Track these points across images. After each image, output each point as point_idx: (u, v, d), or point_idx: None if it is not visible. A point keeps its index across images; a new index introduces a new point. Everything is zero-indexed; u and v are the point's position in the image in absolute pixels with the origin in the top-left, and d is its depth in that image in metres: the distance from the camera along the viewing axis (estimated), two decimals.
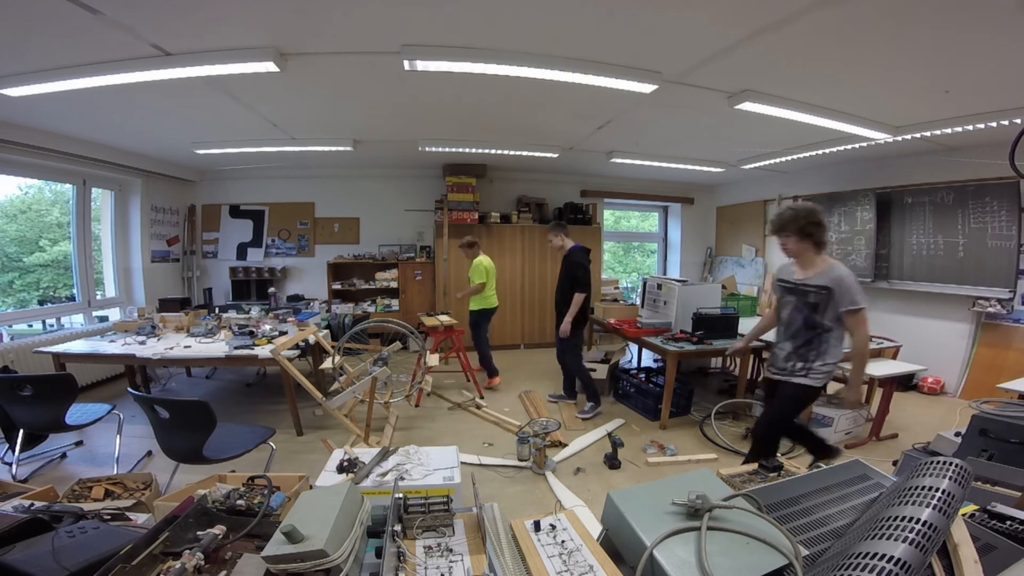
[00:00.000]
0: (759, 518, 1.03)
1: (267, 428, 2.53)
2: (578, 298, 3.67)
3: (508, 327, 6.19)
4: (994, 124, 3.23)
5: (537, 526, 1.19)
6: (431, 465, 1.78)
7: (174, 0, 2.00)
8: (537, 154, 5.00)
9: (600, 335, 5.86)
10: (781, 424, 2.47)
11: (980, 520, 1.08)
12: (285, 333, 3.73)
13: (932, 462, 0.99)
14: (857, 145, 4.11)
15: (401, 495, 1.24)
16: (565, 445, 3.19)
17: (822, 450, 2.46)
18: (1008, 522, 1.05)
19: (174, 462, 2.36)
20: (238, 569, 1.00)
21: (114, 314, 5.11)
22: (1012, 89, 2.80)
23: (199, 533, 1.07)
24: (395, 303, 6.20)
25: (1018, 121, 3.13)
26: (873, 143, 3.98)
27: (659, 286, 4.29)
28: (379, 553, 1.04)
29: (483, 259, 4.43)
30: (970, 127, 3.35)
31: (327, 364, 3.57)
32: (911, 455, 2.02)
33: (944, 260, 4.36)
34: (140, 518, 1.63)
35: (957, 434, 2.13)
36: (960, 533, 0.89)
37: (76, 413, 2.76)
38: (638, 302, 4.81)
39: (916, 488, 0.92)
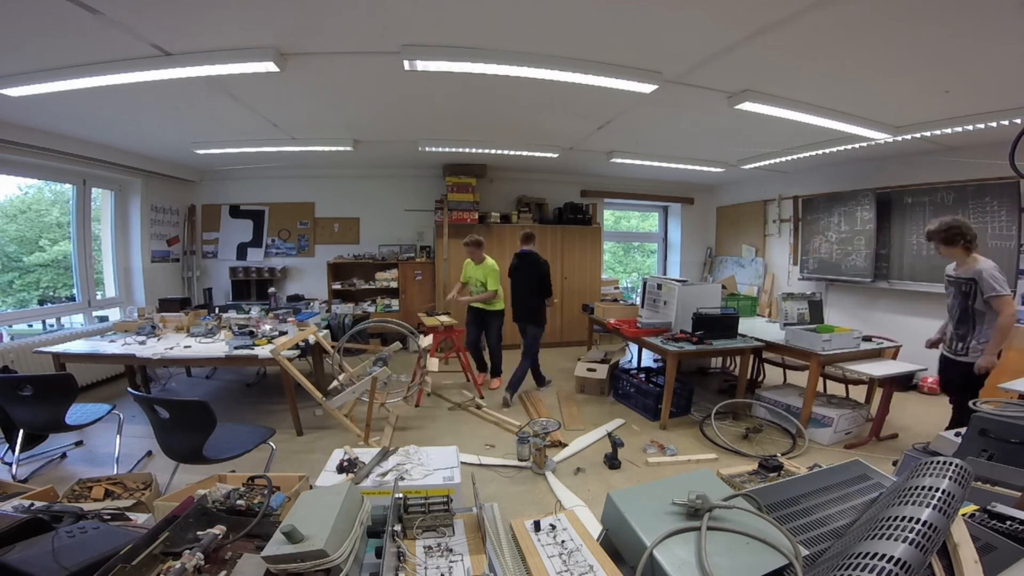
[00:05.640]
0: (759, 518, 1.03)
1: (267, 428, 2.53)
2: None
3: (508, 327, 6.17)
4: (994, 124, 3.23)
5: (537, 526, 1.19)
6: (431, 465, 1.78)
7: (174, 0, 2.00)
8: (537, 154, 5.00)
9: (600, 335, 5.86)
10: None
11: (980, 520, 1.08)
12: (285, 333, 3.73)
13: (932, 462, 0.99)
14: (857, 145, 4.11)
15: (401, 495, 1.24)
16: (565, 445, 3.18)
17: None
18: (1008, 522, 1.05)
19: (174, 462, 2.35)
20: (238, 569, 1.00)
21: (114, 314, 5.11)
22: (1012, 89, 2.80)
23: (199, 533, 1.07)
24: (395, 303, 6.20)
25: (1018, 121, 3.13)
26: (873, 143, 3.98)
27: (659, 286, 4.29)
28: (379, 553, 1.04)
29: (493, 262, 4.41)
30: (970, 127, 3.35)
31: (327, 364, 3.56)
32: (911, 455, 2.01)
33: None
34: (140, 518, 1.64)
35: (957, 434, 2.13)
36: (960, 533, 0.89)
37: (76, 413, 2.76)
38: (638, 302, 4.81)
39: (916, 488, 0.92)
